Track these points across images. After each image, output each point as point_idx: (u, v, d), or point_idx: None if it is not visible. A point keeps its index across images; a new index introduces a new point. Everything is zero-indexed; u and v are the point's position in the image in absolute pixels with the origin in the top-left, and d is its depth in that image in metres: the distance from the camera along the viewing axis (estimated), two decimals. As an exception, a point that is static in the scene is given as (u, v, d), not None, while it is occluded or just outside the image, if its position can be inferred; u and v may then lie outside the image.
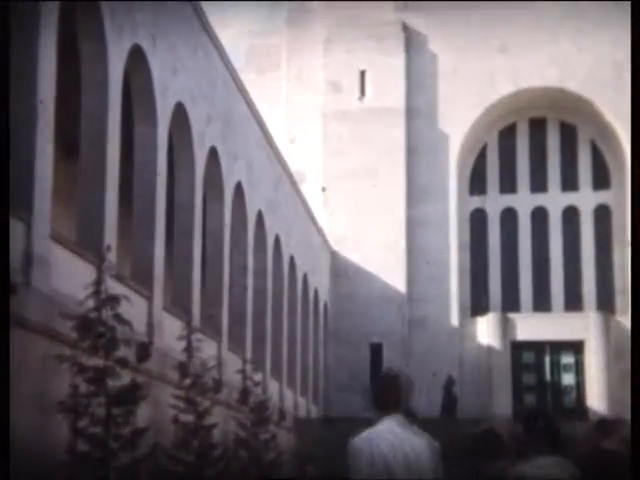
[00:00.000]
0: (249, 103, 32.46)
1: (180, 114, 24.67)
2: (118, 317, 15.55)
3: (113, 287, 16.42)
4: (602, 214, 53.57)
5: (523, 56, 52.47)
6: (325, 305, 49.43)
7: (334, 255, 51.50)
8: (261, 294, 34.36)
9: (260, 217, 34.03)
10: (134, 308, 18.07)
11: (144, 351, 19.44)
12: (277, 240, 37.20)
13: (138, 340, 19.43)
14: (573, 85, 51.98)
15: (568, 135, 54.37)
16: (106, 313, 15.40)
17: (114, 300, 15.58)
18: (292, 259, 40.45)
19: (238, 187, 30.68)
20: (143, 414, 16.44)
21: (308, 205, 44.90)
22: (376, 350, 50.19)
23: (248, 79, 48.32)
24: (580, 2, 52.19)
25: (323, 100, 53.68)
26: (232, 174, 29.78)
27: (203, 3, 26.39)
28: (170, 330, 22.37)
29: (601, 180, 53.93)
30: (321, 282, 48.41)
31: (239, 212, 31.17)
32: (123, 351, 15.67)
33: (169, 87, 23.48)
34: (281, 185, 38.48)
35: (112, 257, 17.93)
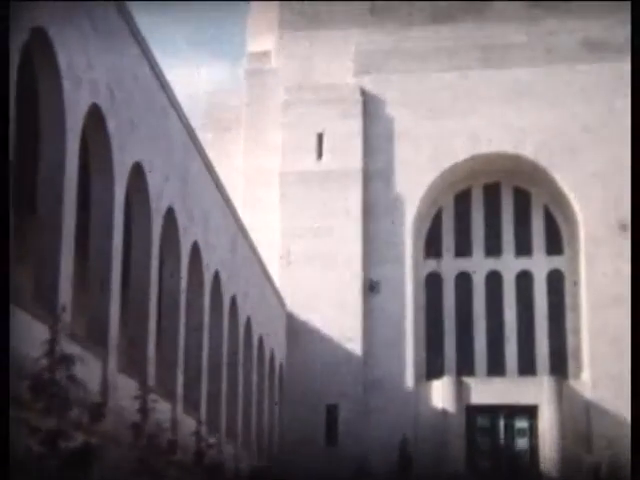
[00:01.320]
0: (206, 162, 32.50)
1: (137, 173, 24.63)
2: (72, 378, 15.33)
3: (67, 347, 16.22)
4: (555, 279, 54.03)
5: (479, 122, 53.14)
6: (281, 366, 49.18)
7: (290, 316, 51.38)
8: (217, 355, 34.12)
9: (217, 277, 33.91)
10: (88, 368, 17.86)
11: (98, 412, 19.15)
12: (233, 301, 37.06)
13: (92, 401, 19.16)
14: (528, 152, 52.69)
15: (522, 201, 55.02)
16: (60, 374, 15.18)
17: (68, 360, 15.37)
18: (248, 320, 40.29)
19: (195, 247, 30.59)
20: (97, 475, 16.16)
21: (265, 265, 44.84)
22: (332, 411, 49.94)
23: (206, 138, 48.71)
24: (535, 70, 53.05)
25: (281, 161, 53.91)
26: (189, 234, 29.71)
27: (161, 60, 26.50)
28: (125, 390, 22.10)
29: (554, 246, 54.49)
30: (277, 343, 48.22)
31: (195, 272, 31.04)
32: (77, 412, 15.44)
33: (126, 145, 23.46)
34: (238, 245, 38.44)
35: (67, 316, 17.74)
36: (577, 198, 51.78)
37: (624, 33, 52.80)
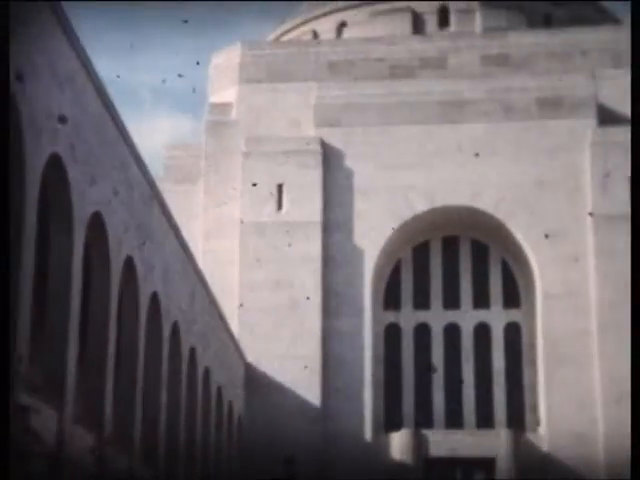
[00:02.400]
0: (166, 213, 32.53)
1: (97, 222, 24.59)
2: (27, 429, 15.20)
3: (23, 398, 16.08)
4: (512, 332, 54.35)
5: (438, 175, 53.63)
6: (239, 418, 48.86)
7: (249, 367, 51.16)
8: (175, 406, 33.87)
9: (175, 327, 33.78)
10: (44, 419, 17.69)
11: (54, 464, 18.98)
12: (192, 351, 36.89)
13: (48, 452, 18.97)
14: (485, 206, 53.18)
15: (480, 254, 55.45)
16: (15, 425, 15.05)
17: (23, 411, 15.25)
18: (207, 371, 40.07)
19: (154, 297, 30.50)
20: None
21: (224, 316, 44.72)
22: (290, 463, 49.59)
23: (167, 189, 48.77)
24: (492, 126, 53.75)
25: (241, 212, 53.99)
26: (148, 284, 29.64)
27: (123, 110, 26.62)
28: (81, 442, 21.88)
29: (511, 299, 54.87)
30: (236, 395, 47.96)
31: (154, 322, 30.92)
32: (32, 464, 15.28)
33: (86, 195, 23.44)
34: (197, 295, 38.36)
35: (23, 368, 17.60)
36: (533, 253, 52.28)
37: (579, 91, 53.82)
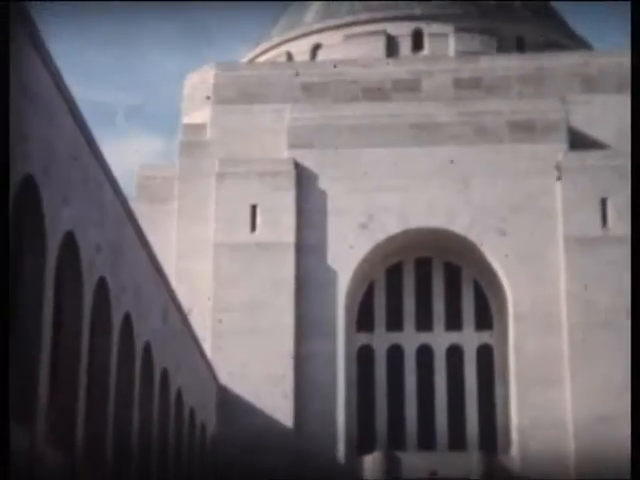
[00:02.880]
0: (139, 233, 32.52)
1: (69, 243, 24.58)
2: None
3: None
4: (485, 354, 54.59)
5: (411, 197, 53.90)
6: (212, 440, 48.70)
7: (223, 389, 51.06)
8: (147, 428, 33.76)
9: (148, 348, 33.72)
10: (15, 438, 17.63)
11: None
12: (165, 373, 36.81)
13: (18, 471, 18.91)
14: (458, 228, 53.48)
15: (453, 276, 55.73)
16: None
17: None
18: (179, 393, 39.98)
19: (126, 317, 30.46)
20: None
21: (197, 337, 44.65)
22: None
23: (140, 209, 48.71)
24: (465, 149, 54.13)
25: (214, 233, 54.03)
26: (120, 304, 29.60)
27: (96, 130, 26.67)
28: (52, 461, 21.78)
29: (483, 320, 55.16)
30: (208, 416, 47.83)
31: (127, 343, 30.86)
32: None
33: (59, 215, 23.44)
34: (170, 317, 38.31)
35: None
36: (505, 275, 52.61)
37: (550, 115, 54.32)
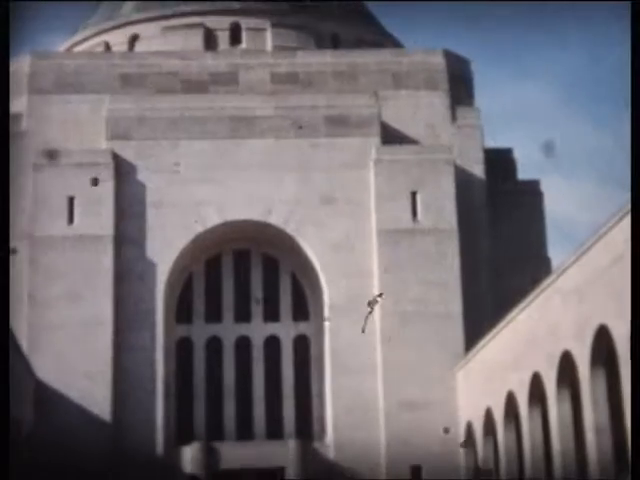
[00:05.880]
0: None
1: None
2: None
3: None
4: (301, 345, 55.91)
5: (229, 190, 54.51)
6: (27, 437, 48.16)
7: (39, 383, 50.53)
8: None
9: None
10: None
11: None
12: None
13: None
14: (275, 220, 54.46)
15: (271, 267, 56.73)
16: None
17: None
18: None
19: None
20: None
21: (13, 333, 43.86)
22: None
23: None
24: (282, 142, 55.05)
25: (31, 225, 53.26)
26: None
27: None
28: None
29: (301, 312, 56.42)
30: (24, 412, 47.26)
31: None
32: None
33: None
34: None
35: None
36: (321, 267, 53.96)
37: (363, 110, 55.84)
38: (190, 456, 51.11)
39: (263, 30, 62.93)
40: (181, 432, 53.78)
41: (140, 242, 54.14)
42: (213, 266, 56.69)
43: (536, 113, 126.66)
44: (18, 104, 58.05)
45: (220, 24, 62.99)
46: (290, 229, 54.44)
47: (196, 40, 62.16)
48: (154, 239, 54.09)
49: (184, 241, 54.32)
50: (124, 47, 63.95)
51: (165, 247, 54.05)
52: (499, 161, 59.65)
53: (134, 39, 64.50)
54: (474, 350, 48.68)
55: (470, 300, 52.89)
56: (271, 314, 56.32)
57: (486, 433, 47.35)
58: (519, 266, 55.57)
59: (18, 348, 45.87)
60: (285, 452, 51.12)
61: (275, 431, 54.32)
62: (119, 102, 55.97)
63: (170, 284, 54.47)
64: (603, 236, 31.80)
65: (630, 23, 26.02)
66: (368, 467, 50.99)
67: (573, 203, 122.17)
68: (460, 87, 59.46)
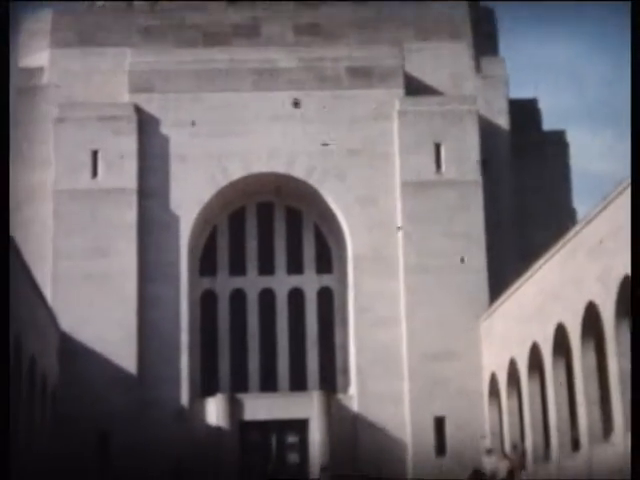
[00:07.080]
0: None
1: None
2: None
3: None
4: (325, 297, 55.93)
5: (252, 143, 54.33)
6: (54, 392, 48.45)
7: (65, 336, 50.88)
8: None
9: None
10: None
11: None
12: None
13: None
14: (298, 173, 54.28)
15: (294, 220, 56.63)
16: None
17: None
18: (18, 339, 39.68)
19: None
20: None
21: (36, 283, 44.14)
22: (103, 439, 49.77)
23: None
24: (305, 94, 54.71)
25: (54, 179, 53.38)
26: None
27: None
28: None
29: (324, 264, 56.38)
30: (49, 365, 47.62)
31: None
32: None
33: None
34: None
35: None
36: (344, 219, 53.82)
37: (387, 62, 55.37)
38: (214, 408, 51.41)
39: (285, -19, 62.33)
40: (205, 384, 54.07)
41: (164, 195, 54.15)
42: (237, 219, 56.66)
43: (562, 64, 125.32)
44: (40, 58, 58.05)
45: (241, -24, 62.40)
46: (313, 181, 54.27)
47: (218, -8, 61.65)
48: (178, 192, 54.08)
49: (208, 194, 54.28)
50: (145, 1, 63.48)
51: (189, 200, 54.04)
52: (524, 112, 59.05)
53: (155, -8, 64.04)
54: (498, 301, 48.56)
55: (494, 252, 52.66)
56: (295, 266, 56.30)
57: (510, 384, 47.34)
58: (544, 217, 55.25)
59: (43, 300, 46.16)
60: (309, 403, 51.26)
61: (299, 383, 54.51)
62: (141, 55, 55.76)
63: (194, 237, 54.55)
64: (627, 187, 31.47)
65: (630, 23, 26.00)
66: (392, 419, 51.15)
67: (599, 154, 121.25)
68: (484, 38, 58.82)
